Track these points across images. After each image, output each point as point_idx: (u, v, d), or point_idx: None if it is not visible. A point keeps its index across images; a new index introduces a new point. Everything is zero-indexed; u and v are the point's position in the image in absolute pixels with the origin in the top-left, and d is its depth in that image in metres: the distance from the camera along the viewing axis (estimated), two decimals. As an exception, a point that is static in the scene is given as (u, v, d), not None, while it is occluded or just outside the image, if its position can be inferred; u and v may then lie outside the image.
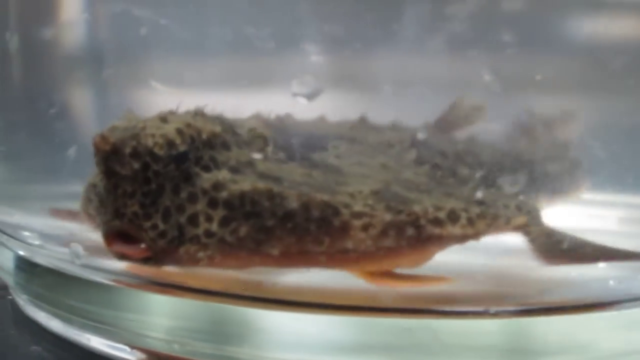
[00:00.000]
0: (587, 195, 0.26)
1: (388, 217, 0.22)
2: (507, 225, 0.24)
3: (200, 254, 0.22)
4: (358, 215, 0.22)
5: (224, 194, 0.22)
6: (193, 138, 0.22)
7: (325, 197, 0.22)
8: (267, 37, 0.22)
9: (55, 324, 0.27)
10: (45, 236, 0.27)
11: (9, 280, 0.29)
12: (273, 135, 0.23)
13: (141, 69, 0.25)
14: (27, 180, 0.29)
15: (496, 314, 0.22)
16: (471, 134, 0.26)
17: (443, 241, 0.23)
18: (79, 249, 0.25)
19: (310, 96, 0.22)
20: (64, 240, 0.26)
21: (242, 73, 0.24)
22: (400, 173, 0.24)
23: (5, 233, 0.28)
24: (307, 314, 0.23)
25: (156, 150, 0.21)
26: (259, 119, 0.24)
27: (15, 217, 0.28)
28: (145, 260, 0.22)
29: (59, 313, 0.26)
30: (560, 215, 0.25)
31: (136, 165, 0.21)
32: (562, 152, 0.27)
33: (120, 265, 0.25)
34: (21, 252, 0.27)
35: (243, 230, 0.22)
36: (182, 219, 0.21)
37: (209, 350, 0.24)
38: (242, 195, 0.22)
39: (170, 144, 0.21)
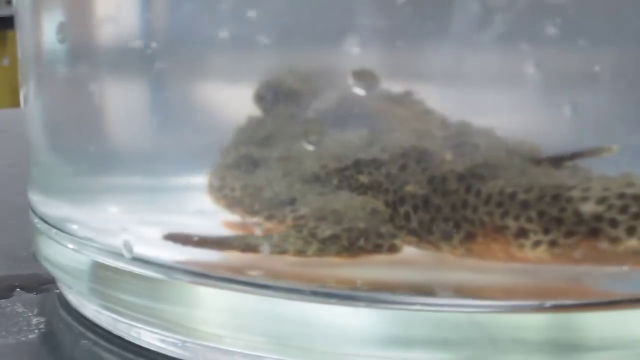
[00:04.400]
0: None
1: None
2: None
3: None
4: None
5: None
6: None
7: None
8: (323, 27, 0.22)
9: (104, 318, 0.27)
10: (94, 229, 0.27)
11: (57, 274, 0.29)
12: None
13: (194, 62, 0.25)
14: (75, 173, 0.29)
15: (551, 308, 0.22)
16: None
17: None
18: (130, 242, 0.25)
19: (367, 88, 0.22)
20: (114, 234, 0.26)
21: (297, 64, 0.24)
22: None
23: (53, 226, 0.28)
24: (358, 308, 0.23)
25: None
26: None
27: (64, 210, 0.28)
28: None
29: (109, 307, 0.26)
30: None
31: None
32: None
33: (171, 258, 0.25)
34: (70, 246, 0.27)
35: None
36: None
37: (261, 345, 0.23)
38: None
39: None
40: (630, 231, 0.22)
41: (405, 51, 0.23)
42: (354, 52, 0.22)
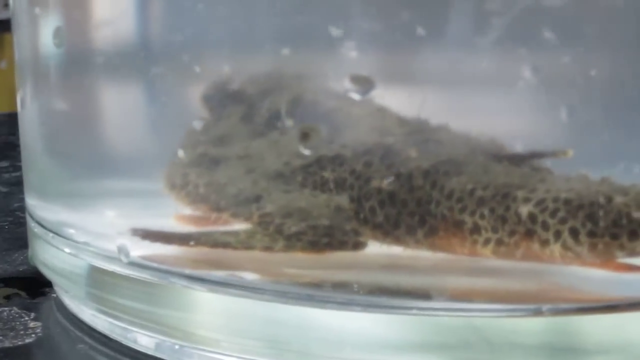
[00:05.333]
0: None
1: None
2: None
3: None
4: None
5: None
6: None
7: None
8: (319, 31, 0.22)
9: (101, 322, 0.27)
10: (91, 233, 0.27)
11: (54, 278, 0.29)
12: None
13: (191, 66, 0.25)
14: (71, 177, 0.29)
15: (549, 312, 0.22)
16: None
17: None
18: (127, 247, 0.25)
19: (363, 92, 0.22)
20: (110, 238, 0.26)
21: (292, 69, 0.24)
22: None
23: (50, 230, 0.28)
24: (355, 312, 0.23)
25: None
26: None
27: (61, 214, 0.28)
28: None
29: (105, 311, 0.26)
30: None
31: None
32: None
33: (168, 263, 0.25)
34: (67, 250, 0.27)
35: None
36: None
37: (257, 349, 0.23)
38: None
39: None
40: (557, 235, 0.22)
41: (401, 55, 0.23)
42: (351, 56, 0.22)
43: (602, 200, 0.22)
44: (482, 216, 0.23)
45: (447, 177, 0.23)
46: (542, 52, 0.22)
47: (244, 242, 0.24)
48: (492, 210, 0.23)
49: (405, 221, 0.23)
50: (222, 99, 0.26)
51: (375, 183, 0.23)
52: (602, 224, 0.22)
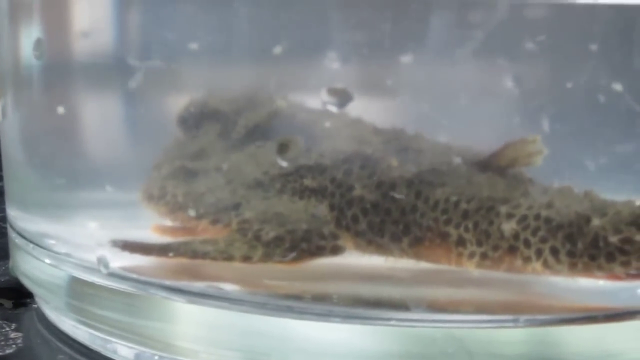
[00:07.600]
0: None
1: None
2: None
3: None
4: None
5: None
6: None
7: None
8: (295, 43, 0.22)
9: (81, 333, 0.27)
10: (71, 244, 0.27)
11: (35, 289, 0.29)
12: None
13: (171, 78, 0.25)
14: (52, 188, 0.29)
15: (526, 323, 0.22)
16: None
17: None
18: (106, 258, 0.25)
19: (341, 105, 0.22)
20: (90, 249, 0.26)
21: (270, 81, 0.24)
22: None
23: (30, 241, 0.28)
24: (334, 324, 0.23)
25: None
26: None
27: (41, 225, 0.28)
28: None
29: (86, 322, 0.26)
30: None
31: None
32: None
33: (148, 274, 0.25)
34: (47, 261, 0.27)
35: None
36: None
37: (236, 360, 0.24)
38: None
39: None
40: (539, 253, 0.22)
41: (381, 66, 0.23)
42: (331, 68, 0.22)
43: (580, 221, 0.22)
44: (466, 229, 0.23)
45: (432, 188, 0.23)
46: (522, 63, 0.22)
47: (223, 252, 0.24)
48: (476, 224, 0.23)
49: (389, 229, 0.23)
50: (197, 119, 0.26)
51: (357, 192, 0.23)
52: (580, 245, 0.22)
